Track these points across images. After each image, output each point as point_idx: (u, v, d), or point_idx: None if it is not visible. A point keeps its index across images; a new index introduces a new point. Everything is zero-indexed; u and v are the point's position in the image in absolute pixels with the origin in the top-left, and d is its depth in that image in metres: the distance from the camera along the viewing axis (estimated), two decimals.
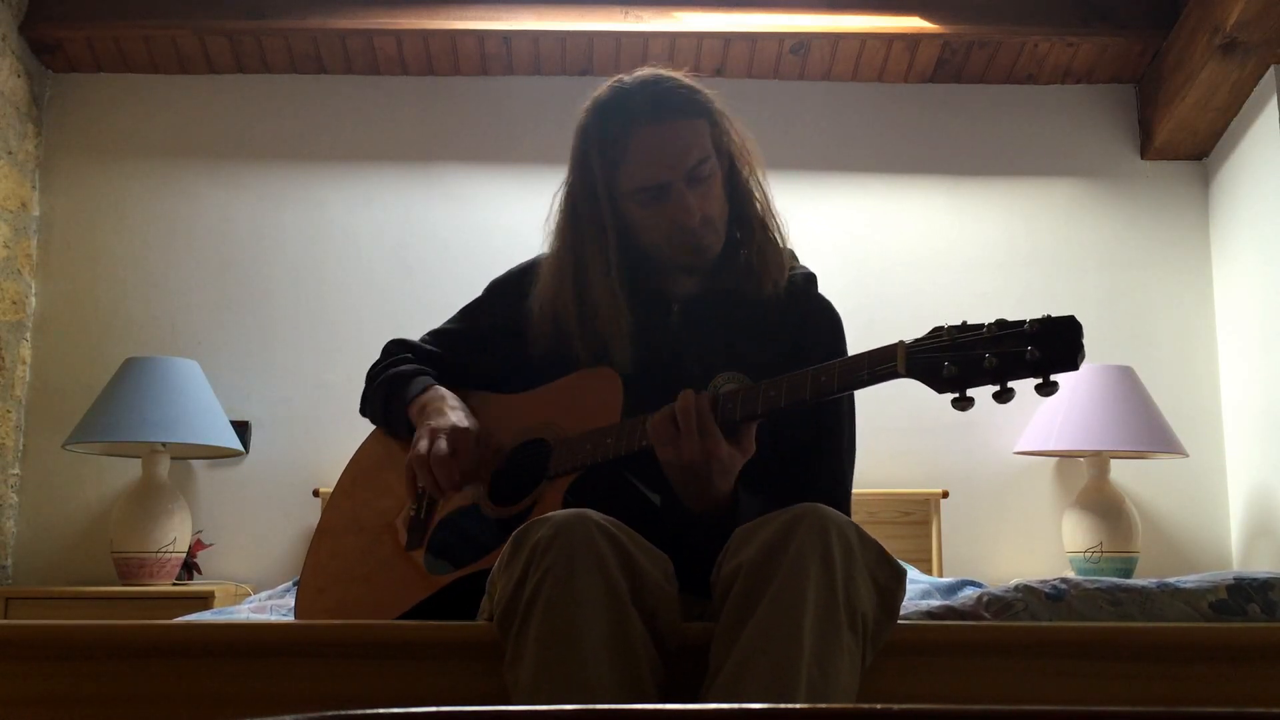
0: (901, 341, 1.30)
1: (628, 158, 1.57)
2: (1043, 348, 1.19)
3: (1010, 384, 1.22)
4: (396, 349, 1.82)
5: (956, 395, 1.24)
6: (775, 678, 1.15)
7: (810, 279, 1.69)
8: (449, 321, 1.82)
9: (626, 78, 1.62)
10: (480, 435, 1.61)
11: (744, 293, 1.63)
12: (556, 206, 1.66)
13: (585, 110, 1.62)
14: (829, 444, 1.59)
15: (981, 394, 1.24)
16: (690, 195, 1.56)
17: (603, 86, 1.63)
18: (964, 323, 1.27)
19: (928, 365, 1.26)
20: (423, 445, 1.58)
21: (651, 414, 1.42)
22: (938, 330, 1.28)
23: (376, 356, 1.83)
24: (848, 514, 1.56)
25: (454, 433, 1.59)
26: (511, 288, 1.76)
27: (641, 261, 1.64)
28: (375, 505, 1.70)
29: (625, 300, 1.60)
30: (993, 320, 1.25)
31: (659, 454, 1.40)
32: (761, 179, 1.66)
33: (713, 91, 1.63)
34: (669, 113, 1.57)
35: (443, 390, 1.69)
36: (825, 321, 1.67)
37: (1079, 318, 1.21)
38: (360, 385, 1.82)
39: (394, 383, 1.73)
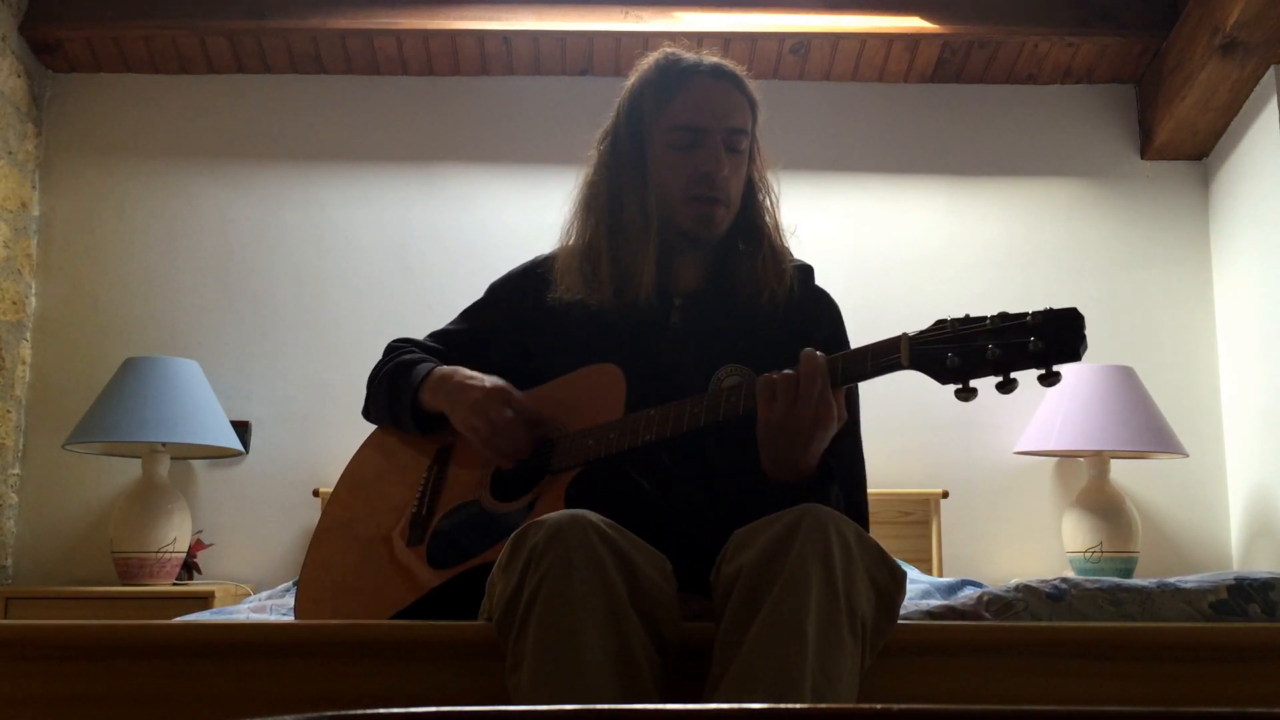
0: (905, 333, 1.31)
1: (679, 96, 1.62)
2: (1045, 338, 1.20)
3: (1013, 375, 1.22)
4: (399, 346, 1.82)
5: (959, 386, 1.25)
6: (780, 680, 1.15)
7: (807, 270, 1.70)
8: (451, 323, 1.82)
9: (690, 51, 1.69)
10: (510, 386, 1.60)
11: (743, 293, 1.64)
12: (594, 152, 1.70)
13: (646, 60, 1.68)
14: (847, 435, 1.59)
15: (984, 385, 1.25)
16: (723, 154, 1.60)
17: (665, 48, 1.69)
18: (967, 315, 1.28)
19: (931, 356, 1.27)
20: (480, 425, 1.56)
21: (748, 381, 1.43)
22: (941, 323, 1.29)
23: (376, 356, 1.83)
24: (864, 502, 1.58)
25: (491, 396, 1.57)
26: (512, 288, 1.76)
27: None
28: (375, 504, 1.70)
29: (656, 227, 1.61)
30: (995, 313, 1.26)
31: (764, 414, 1.38)
32: (774, 206, 1.69)
33: (763, 106, 1.68)
34: (728, 77, 1.64)
35: (451, 366, 1.67)
36: (825, 310, 1.68)
37: None
38: (361, 384, 1.81)
39: (398, 372, 1.72)
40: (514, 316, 1.73)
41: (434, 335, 1.82)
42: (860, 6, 3.38)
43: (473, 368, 1.72)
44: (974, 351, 1.24)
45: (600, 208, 1.66)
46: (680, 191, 1.61)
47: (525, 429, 1.58)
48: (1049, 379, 1.21)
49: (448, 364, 1.73)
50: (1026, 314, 1.23)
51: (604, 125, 1.71)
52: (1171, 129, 3.35)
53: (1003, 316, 1.25)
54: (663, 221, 1.64)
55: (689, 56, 1.65)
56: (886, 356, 1.32)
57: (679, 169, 1.61)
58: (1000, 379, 1.23)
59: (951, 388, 1.26)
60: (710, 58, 1.66)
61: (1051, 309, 1.22)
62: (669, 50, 1.68)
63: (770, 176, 1.70)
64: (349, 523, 1.71)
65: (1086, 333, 1.20)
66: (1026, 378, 1.23)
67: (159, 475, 3.08)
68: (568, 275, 1.66)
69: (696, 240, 1.64)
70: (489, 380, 1.61)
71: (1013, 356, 1.22)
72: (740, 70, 1.66)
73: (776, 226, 1.68)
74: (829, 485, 1.44)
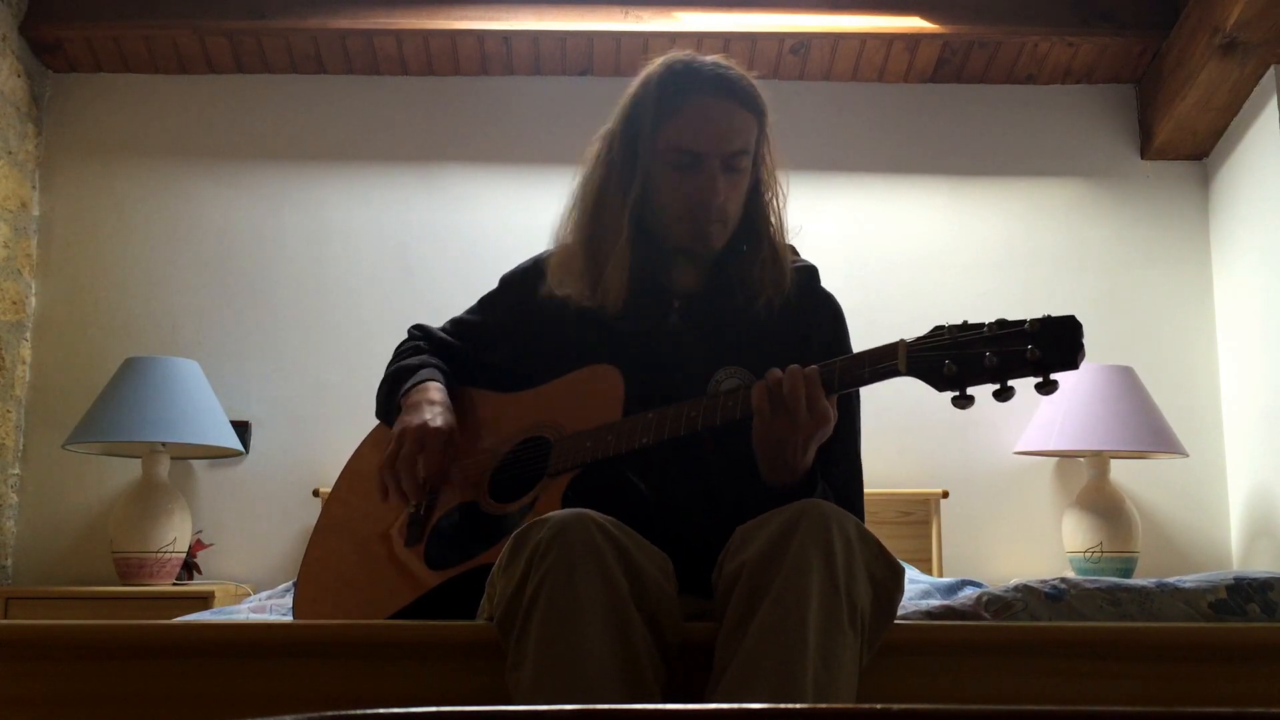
0: (902, 340, 1.31)
1: (679, 116, 1.58)
2: (1043, 346, 1.20)
3: (1010, 382, 1.22)
4: (417, 334, 1.84)
5: (957, 394, 1.25)
6: (781, 675, 1.15)
7: (811, 272, 1.69)
8: (468, 311, 1.83)
9: (699, 55, 1.64)
10: (452, 433, 1.61)
11: (741, 295, 1.63)
12: (590, 151, 1.68)
13: (654, 65, 1.64)
14: (844, 435, 1.59)
15: (981, 393, 1.25)
16: (720, 179, 1.58)
17: (674, 54, 1.65)
18: (965, 322, 1.27)
19: (928, 364, 1.27)
20: (392, 447, 1.60)
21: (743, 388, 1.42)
22: (939, 329, 1.29)
23: (377, 356, 1.84)
24: (860, 503, 1.58)
25: (421, 431, 1.59)
26: (517, 284, 1.76)
27: (647, 240, 1.65)
28: (374, 503, 1.70)
29: (629, 237, 1.60)
30: (993, 319, 1.25)
31: (759, 423, 1.39)
32: (780, 206, 1.67)
33: (770, 105, 1.65)
34: (732, 94, 1.59)
35: (430, 387, 1.68)
36: (827, 314, 1.67)
37: (1079, 318, 1.21)
38: (360, 384, 1.82)
39: (396, 376, 1.74)
40: (517, 314, 1.73)
41: (451, 323, 1.83)
42: (860, 6, 3.38)
43: (482, 359, 1.75)
44: (971, 359, 1.24)
45: (586, 209, 1.65)
46: (676, 210, 1.60)
47: (414, 473, 1.58)
48: (1046, 387, 1.21)
49: (460, 359, 1.76)
50: (1024, 321, 1.23)
51: (606, 124, 1.68)
52: (1171, 129, 3.35)
53: (1000, 323, 1.24)
54: (660, 232, 1.63)
55: (696, 65, 1.60)
56: (884, 363, 1.31)
57: (675, 189, 1.59)
58: (997, 387, 1.23)
59: (949, 395, 1.26)
60: (720, 67, 1.60)
61: (1050, 316, 1.22)
62: (677, 57, 1.63)
63: (779, 174, 1.67)
64: (347, 521, 1.72)
65: (1084, 341, 1.20)
66: (1024, 384, 1.23)
67: (159, 475, 3.08)
68: (554, 274, 1.67)
69: (695, 256, 1.64)
70: (435, 418, 1.61)
71: (1010, 364, 1.21)
72: (749, 79, 1.61)
73: (780, 226, 1.66)
74: (817, 484, 1.45)
